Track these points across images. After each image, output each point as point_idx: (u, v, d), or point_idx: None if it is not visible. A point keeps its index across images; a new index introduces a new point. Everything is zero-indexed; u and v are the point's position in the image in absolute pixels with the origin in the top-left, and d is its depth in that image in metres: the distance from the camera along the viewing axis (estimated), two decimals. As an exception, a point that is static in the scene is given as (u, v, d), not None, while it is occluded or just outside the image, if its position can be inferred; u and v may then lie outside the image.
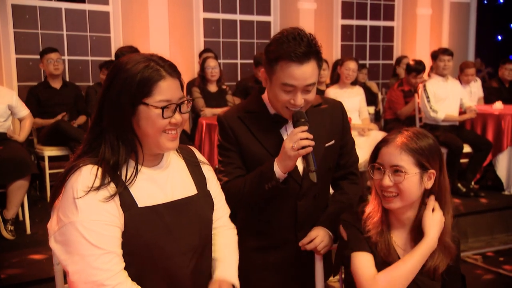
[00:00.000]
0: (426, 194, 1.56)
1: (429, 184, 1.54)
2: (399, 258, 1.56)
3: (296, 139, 1.58)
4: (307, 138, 1.59)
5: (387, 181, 1.51)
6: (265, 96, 1.79)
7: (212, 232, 1.53)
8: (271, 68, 1.65)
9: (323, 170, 1.78)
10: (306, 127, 1.62)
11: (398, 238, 1.60)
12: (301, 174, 1.76)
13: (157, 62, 1.29)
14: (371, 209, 1.61)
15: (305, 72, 1.60)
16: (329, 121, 1.83)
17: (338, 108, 1.89)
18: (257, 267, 1.82)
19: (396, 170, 1.51)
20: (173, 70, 1.31)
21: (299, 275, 1.86)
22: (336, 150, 1.86)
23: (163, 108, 1.27)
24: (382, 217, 1.58)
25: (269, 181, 1.64)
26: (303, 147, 1.58)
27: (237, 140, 1.76)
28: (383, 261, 1.55)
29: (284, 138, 1.72)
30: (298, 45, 1.58)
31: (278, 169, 1.64)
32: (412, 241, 1.59)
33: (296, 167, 1.71)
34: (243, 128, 1.76)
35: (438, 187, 1.55)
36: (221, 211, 1.58)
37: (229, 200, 1.62)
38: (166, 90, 1.28)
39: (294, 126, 1.65)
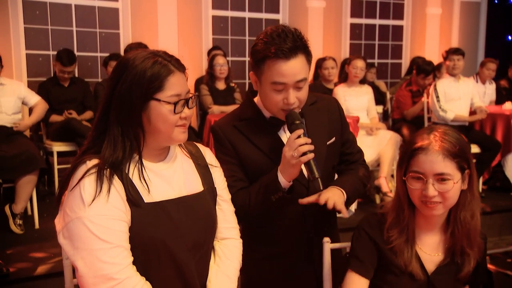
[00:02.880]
0: (461, 194, 1.48)
1: (465, 184, 1.47)
2: (420, 266, 1.50)
3: (295, 146, 1.51)
4: (305, 143, 1.52)
5: (432, 191, 1.42)
6: (258, 100, 1.73)
7: (217, 240, 1.52)
8: (259, 69, 1.59)
9: (328, 169, 1.72)
10: (302, 131, 1.55)
11: (424, 241, 1.54)
12: (306, 176, 1.68)
13: (163, 57, 1.30)
14: (394, 216, 1.52)
15: (294, 67, 1.54)
16: (327, 118, 1.77)
17: (333, 104, 1.83)
18: (269, 276, 1.73)
19: (442, 178, 1.42)
20: (179, 65, 1.33)
21: (313, 282, 1.80)
22: (338, 147, 1.80)
23: (175, 104, 1.29)
24: (409, 223, 1.50)
25: (275, 193, 1.58)
26: (304, 153, 1.51)
27: (236, 150, 1.68)
28: (403, 271, 1.49)
29: (284, 141, 1.67)
30: (283, 42, 1.52)
31: (283, 179, 1.57)
32: (440, 243, 1.54)
33: (301, 170, 1.64)
34: (240, 138, 1.68)
35: (475, 185, 1.49)
36: (231, 222, 1.56)
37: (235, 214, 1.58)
38: (176, 84, 1.29)
39: (289, 129, 1.59)
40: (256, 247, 1.58)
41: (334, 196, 1.61)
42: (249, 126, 1.70)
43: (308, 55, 1.60)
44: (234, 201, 1.59)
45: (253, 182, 1.68)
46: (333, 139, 1.76)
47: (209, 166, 1.51)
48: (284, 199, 1.60)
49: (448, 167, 1.42)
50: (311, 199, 1.62)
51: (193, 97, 1.35)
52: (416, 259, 1.49)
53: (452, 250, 1.52)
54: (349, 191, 1.70)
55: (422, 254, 1.52)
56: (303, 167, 1.61)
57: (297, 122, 1.57)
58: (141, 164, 1.32)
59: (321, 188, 1.54)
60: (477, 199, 1.51)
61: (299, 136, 1.54)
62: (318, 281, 1.79)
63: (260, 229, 1.76)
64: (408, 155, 1.47)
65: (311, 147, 1.53)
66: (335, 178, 1.81)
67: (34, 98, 4.00)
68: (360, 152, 1.90)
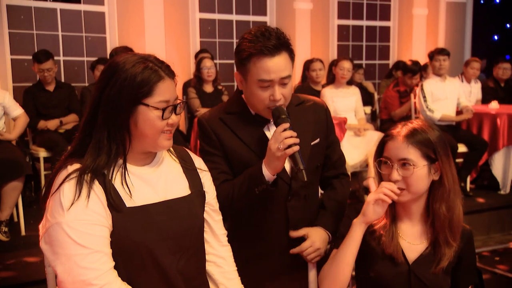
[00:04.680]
0: (434, 185, 1.54)
1: (436, 175, 1.53)
2: (402, 250, 1.55)
3: (281, 139, 1.54)
4: (291, 136, 1.56)
5: (395, 175, 1.50)
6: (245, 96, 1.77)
7: (217, 244, 1.54)
8: (244, 68, 1.63)
9: (311, 169, 1.75)
10: (288, 124, 1.58)
11: (405, 230, 1.59)
12: (289, 174, 1.72)
13: (154, 63, 1.31)
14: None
15: (278, 63, 1.59)
16: (313, 119, 1.80)
17: (320, 106, 1.85)
18: (253, 277, 1.72)
19: (404, 163, 1.49)
20: (169, 71, 1.33)
21: (297, 282, 1.82)
22: (322, 148, 1.82)
23: (163, 110, 1.29)
24: (388, 210, 1.56)
25: (259, 185, 1.61)
26: (289, 146, 1.54)
27: (221, 143, 1.71)
28: (384, 254, 1.55)
29: (268, 137, 1.70)
30: (267, 40, 1.58)
31: (267, 172, 1.60)
32: (421, 233, 1.59)
33: (284, 168, 1.68)
34: (226, 130, 1.72)
35: (447, 177, 1.53)
36: (224, 229, 1.58)
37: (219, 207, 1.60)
38: (165, 90, 1.30)
39: (275, 124, 1.62)
40: (241, 248, 1.60)
41: (318, 242, 1.73)
42: (235, 120, 1.73)
43: (291, 53, 1.65)
44: (218, 193, 1.59)
45: (236, 176, 1.71)
46: (318, 140, 1.79)
47: (198, 170, 1.51)
48: (267, 192, 1.63)
49: (411, 153, 1.49)
50: (300, 233, 1.72)
51: (181, 103, 1.36)
52: (396, 242, 1.55)
53: (434, 241, 1.56)
54: (334, 232, 1.76)
55: (403, 243, 1.57)
56: (286, 164, 1.65)
57: (283, 116, 1.61)
58: (125, 168, 1.32)
59: (305, 179, 1.56)
60: (452, 192, 1.54)
61: (285, 130, 1.57)
62: (300, 282, 1.81)
63: (245, 230, 1.78)
64: (380, 142, 1.59)
65: (297, 140, 1.56)
66: (321, 208, 1.85)
67: (17, 111, 3.96)
68: (341, 158, 1.93)
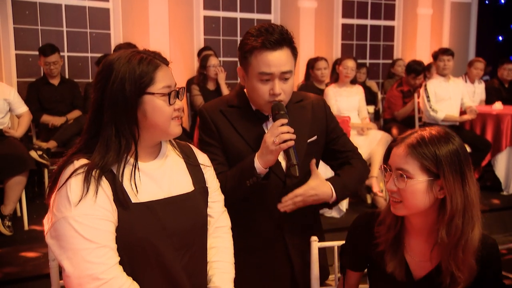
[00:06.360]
0: (442, 203, 1.35)
1: (441, 194, 1.34)
2: (406, 272, 1.43)
3: (277, 133, 1.57)
4: (288, 132, 1.57)
5: (391, 185, 1.37)
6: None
7: (210, 236, 1.54)
8: (246, 61, 1.66)
9: (307, 166, 1.75)
10: (286, 120, 1.60)
11: (414, 246, 1.45)
12: (284, 170, 1.74)
13: (147, 54, 1.34)
14: (385, 212, 1.47)
15: (280, 58, 1.62)
16: (311, 117, 1.81)
17: (320, 103, 1.86)
18: (244, 268, 1.68)
19: (401, 174, 1.34)
20: (163, 58, 1.37)
21: (289, 276, 1.82)
22: (319, 145, 1.83)
23: (169, 94, 1.32)
24: (394, 222, 1.44)
25: (250, 177, 1.63)
26: (285, 141, 1.56)
27: (220, 135, 1.74)
28: (388, 274, 1.43)
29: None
30: (270, 35, 1.61)
31: (259, 165, 1.62)
32: (431, 250, 1.40)
33: (280, 164, 1.70)
34: (225, 123, 1.74)
35: (451, 199, 1.32)
36: (222, 221, 1.57)
37: None
38: (165, 76, 1.33)
39: (274, 119, 1.63)
40: (235, 238, 1.61)
41: (314, 190, 1.66)
42: (235, 113, 1.76)
43: (293, 50, 1.68)
44: None
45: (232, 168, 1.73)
46: (315, 137, 1.80)
47: (202, 166, 1.52)
48: (259, 185, 1.64)
49: (409, 164, 1.33)
50: (299, 191, 1.65)
51: (181, 89, 1.39)
52: (402, 264, 1.43)
53: (440, 263, 1.40)
54: (341, 196, 1.72)
55: (410, 259, 1.45)
56: (282, 160, 1.67)
57: (282, 112, 1.63)
58: (136, 162, 1.33)
59: (297, 174, 1.58)
60: (457, 217, 1.32)
61: (282, 125, 1.59)
62: (293, 277, 1.81)
63: (237, 220, 1.76)
64: (388, 147, 1.45)
65: (293, 136, 1.58)
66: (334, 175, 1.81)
67: (21, 108, 3.98)
68: (352, 147, 1.91)
